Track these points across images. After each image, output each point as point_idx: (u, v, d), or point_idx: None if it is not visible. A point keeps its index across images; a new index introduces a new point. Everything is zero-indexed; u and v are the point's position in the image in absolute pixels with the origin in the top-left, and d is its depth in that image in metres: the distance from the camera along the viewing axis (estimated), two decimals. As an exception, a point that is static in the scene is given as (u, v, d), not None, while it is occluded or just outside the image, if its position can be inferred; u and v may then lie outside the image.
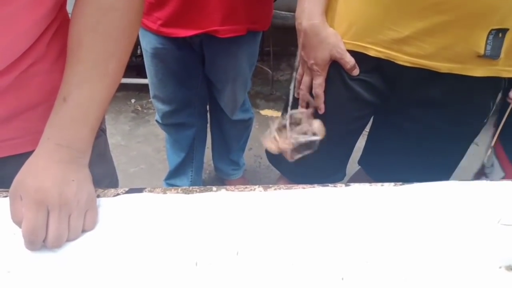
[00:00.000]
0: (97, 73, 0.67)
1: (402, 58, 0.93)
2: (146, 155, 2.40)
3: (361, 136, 1.22)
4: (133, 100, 2.77)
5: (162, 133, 2.36)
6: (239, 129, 1.91)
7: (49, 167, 0.64)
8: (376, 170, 1.26)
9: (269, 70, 3.06)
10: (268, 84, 3.04)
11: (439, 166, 1.10)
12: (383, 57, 0.95)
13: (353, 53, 0.97)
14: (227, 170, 2.10)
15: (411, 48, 0.91)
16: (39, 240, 0.62)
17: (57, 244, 0.63)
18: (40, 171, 0.64)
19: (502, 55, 0.88)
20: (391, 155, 1.15)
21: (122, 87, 2.68)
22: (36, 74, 0.70)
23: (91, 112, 0.67)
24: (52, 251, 0.64)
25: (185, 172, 1.93)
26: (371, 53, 0.96)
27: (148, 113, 2.67)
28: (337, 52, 0.96)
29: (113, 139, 2.46)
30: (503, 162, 1.52)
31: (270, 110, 2.85)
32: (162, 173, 2.18)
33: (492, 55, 0.88)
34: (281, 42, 2.88)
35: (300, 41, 1.01)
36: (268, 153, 1.30)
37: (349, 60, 0.97)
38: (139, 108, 2.72)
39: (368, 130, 1.26)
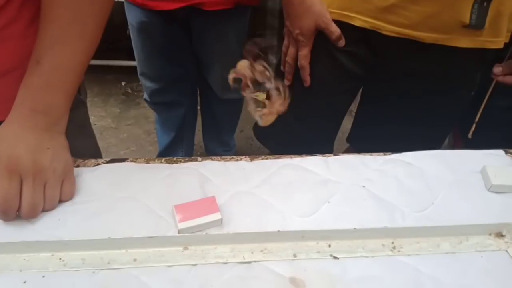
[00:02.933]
0: (72, 34, 0.63)
1: (387, 28, 0.92)
2: (137, 138, 2.37)
3: (348, 116, 1.20)
4: (123, 83, 2.72)
5: (152, 116, 2.33)
6: (228, 109, 1.88)
7: (23, 134, 0.61)
8: (365, 145, 1.24)
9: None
10: (260, 67, 3.01)
11: (428, 139, 1.08)
12: (368, 27, 0.93)
13: (338, 23, 0.95)
14: (218, 151, 2.07)
15: (396, 17, 0.89)
16: (12, 210, 0.59)
17: (32, 214, 0.61)
18: (13, 138, 0.61)
19: (486, 25, 0.87)
20: (379, 129, 1.13)
21: (112, 70, 2.65)
22: (8, 38, 0.67)
23: (67, 76, 0.64)
24: (28, 222, 0.61)
25: (175, 152, 1.91)
26: (357, 23, 0.94)
27: (139, 95, 2.63)
28: (323, 22, 0.94)
29: (104, 121, 2.43)
30: (454, 131, 1.53)
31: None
32: (153, 155, 2.15)
33: (477, 24, 0.86)
34: (272, 25, 2.84)
35: (285, 11, 0.99)
36: (255, 129, 1.28)
37: (335, 30, 0.95)
38: (130, 91, 2.68)
39: (355, 110, 1.24)
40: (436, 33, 0.89)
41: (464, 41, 0.91)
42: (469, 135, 1.25)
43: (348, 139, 1.29)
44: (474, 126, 1.24)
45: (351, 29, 0.95)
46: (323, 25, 0.95)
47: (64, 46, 0.63)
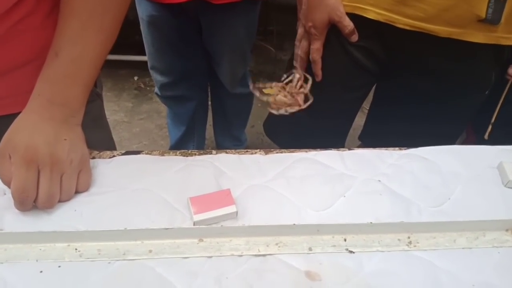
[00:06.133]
0: (91, 28, 0.64)
1: (402, 21, 0.91)
2: (149, 132, 2.38)
3: (360, 113, 1.19)
4: (135, 78, 2.74)
5: (164, 110, 2.34)
6: (239, 103, 1.88)
7: (40, 125, 0.62)
8: (377, 143, 1.23)
9: (272, 49, 3.03)
10: (271, 63, 3.01)
11: (441, 138, 1.07)
12: (382, 20, 0.92)
13: (352, 16, 0.94)
14: (229, 146, 2.07)
15: (412, 10, 0.88)
16: (29, 200, 0.60)
17: (49, 205, 0.61)
18: (30, 129, 0.61)
19: (502, 20, 0.86)
20: (392, 127, 1.13)
21: (125, 65, 2.66)
22: (26, 29, 0.67)
23: (85, 69, 0.65)
24: (44, 212, 0.62)
25: (186, 146, 1.91)
26: (371, 16, 0.93)
27: (151, 90, 2.64)
28: (336, 15, 0.93)
29: (116, 115, 2.44)
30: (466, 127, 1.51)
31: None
32: (165, 149, 2.15)
33: (493, 19, 0.85)
34: (284, 21, 2.84)
35: (298, 3, 0.98)
36: (265, 125, 1.27)
37: (348, 24, 0.94)
38: (142, 86, 2.69)
39: (367, 108, 1.23)
40: (451, 27, 0.88)
41: (478, 36, 0.89)
42: (486, 136, 1.24)
43: (360, 137, 1.29)
44: (490, 127, 1.23)
45: (364, 22, 0.94)
46: (337, 18, 0.94)
47: (83, 39, 0.63)
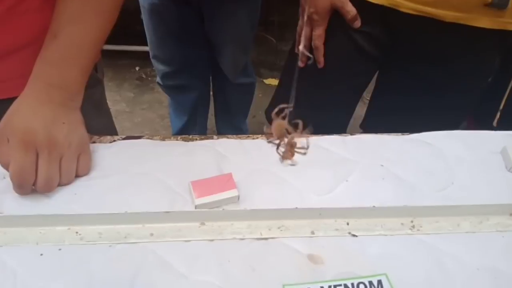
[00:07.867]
0: (90, 10, 0.63)
1: (407, 5, 0.89)
2: (150, 122, 2.38)
3: (360, 103, 1.18)
4: (137, 68, 2.73)
5: (166, 100, 2.34)
6: (241, 93, 1.88)
7: (38, 108, 0.61)
8: (379, 131, 1.22)
9: (273, 40, 3.01)
10: (272, 54, 3.00)
11: (443, 125, 1.07)
12: (386, 5, 0.91)
13: (355, 1, 0.93)
14: (230, 135, 2.07)
15: None
16: (28, 184, 0.59)
17: (48, 188, 0.61)
18: (28, 112, 0.60)
19: (509, 4, 0.85)
20: (394, 115, 1.11)
21: (127, 55, 2.65)
22: (24, 12, 0.66)
23: (83, 51, 0.64)
24: (44, 196, 0.61)
25: (188, 136, 1.91)
26: (374, 0, 0.91)
27: (152, 80, 2.64)
28: (339, 0, 0.92)
29: (118, 105, 2.44)
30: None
31: (274, 79, 2.81)
32: (166, 138, 2.15)
33: (501, 3, 0.84)
34: (285, 12, 2.83)
35: None
36: (267, 114, 1.26)
37: (351, 10, 0.93)
38: (144, 76, 2.69)
39: (368, 99, 1.22)
40: (457, 11, 0.87)
41: (484, 21, 0.88)
42: (494, 123, 1.23)
43: (362, 126, 1.28)
44: (498, 114, 1.22)
45: (367, 7, 0.93)
46: (339, 4, 0.93)
47: (82, 22, 0.63)
